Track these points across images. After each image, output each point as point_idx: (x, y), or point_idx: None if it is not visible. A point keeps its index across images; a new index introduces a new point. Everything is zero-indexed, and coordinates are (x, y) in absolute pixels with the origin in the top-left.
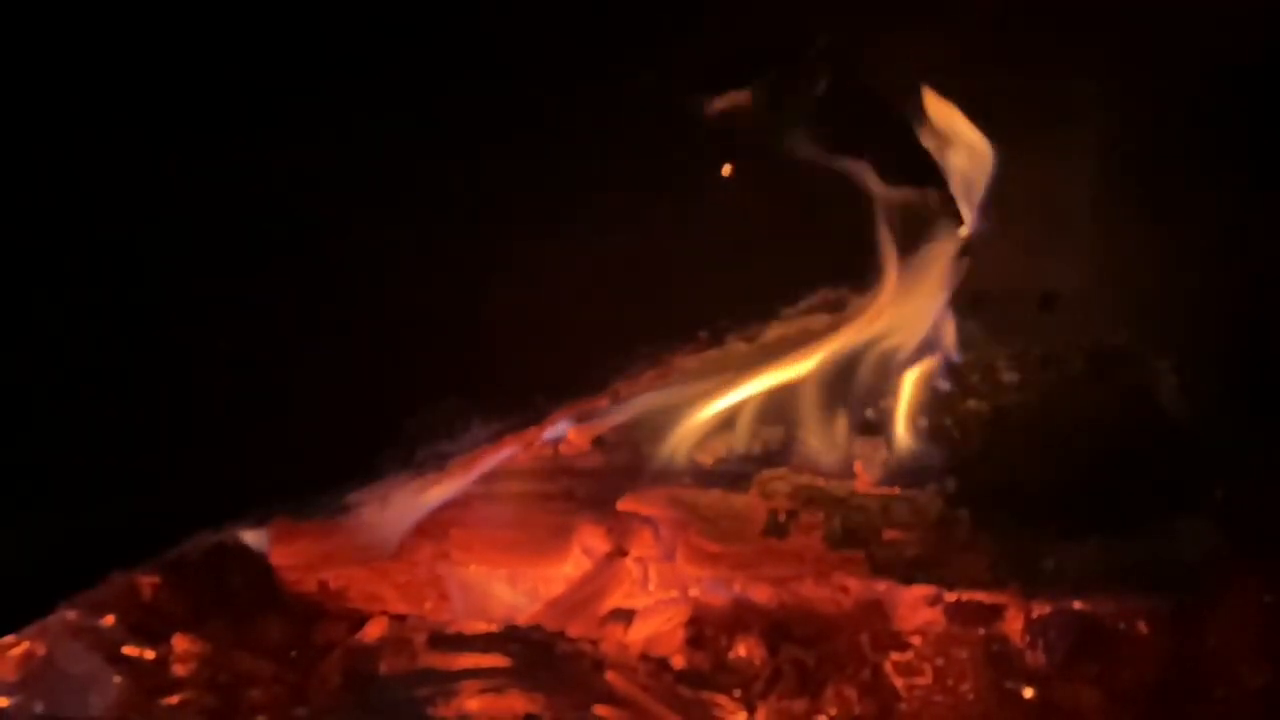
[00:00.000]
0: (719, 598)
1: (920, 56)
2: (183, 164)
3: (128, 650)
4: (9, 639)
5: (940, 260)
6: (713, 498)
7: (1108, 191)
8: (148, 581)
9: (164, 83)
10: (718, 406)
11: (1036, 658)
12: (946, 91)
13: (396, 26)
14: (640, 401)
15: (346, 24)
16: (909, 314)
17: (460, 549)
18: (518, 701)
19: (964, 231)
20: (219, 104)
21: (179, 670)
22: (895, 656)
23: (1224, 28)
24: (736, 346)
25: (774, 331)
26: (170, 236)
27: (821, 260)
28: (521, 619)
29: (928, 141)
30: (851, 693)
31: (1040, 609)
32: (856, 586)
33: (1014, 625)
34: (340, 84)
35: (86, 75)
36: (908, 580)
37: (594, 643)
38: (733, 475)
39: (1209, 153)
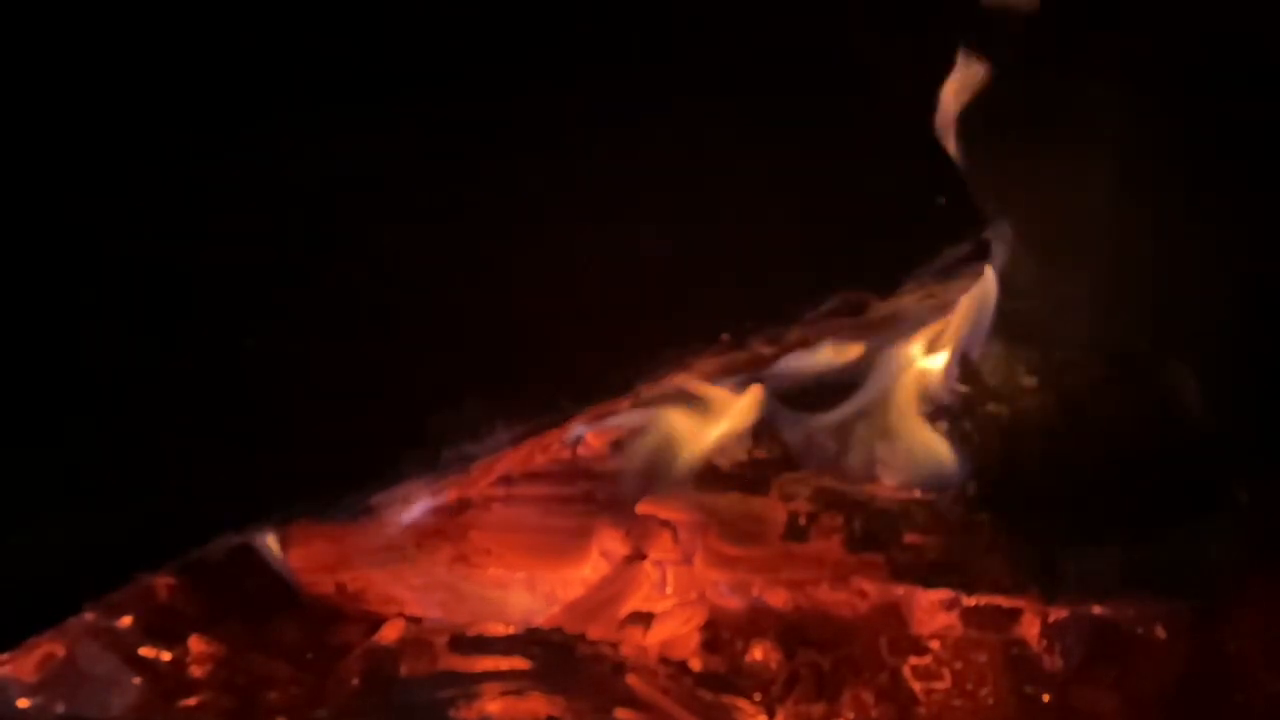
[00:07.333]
0: (734, 601)
1: (930, 61)
2: (211, 167)
3: (144, 652)
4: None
5: (961, 264)
6: (732, 500)
7: (1126, 193)
8: (164, 583)
9: (192, 82)
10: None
11: (1054, 662)
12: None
13: (425, 25)
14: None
15: (376, 22)
16: (930, 317)
17: (478, 552)
18: (539, 704)
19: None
20: (246, 103)
21: (196, 672)
22: (913, 661)
23: (1239, 28)
24: (759, 349)
25: (795, 334)
26: (192, 237)
27: (843, 263)
28: (539, 622)
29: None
30: (869, 697)
31: (1058, 613)
32: (873, 590)
33: (1031, 629)
34: (370, 83)
35: (118, 74)
36: (928, 584)
37: (614, 646)
38: (752, 478)
39: (1229, 154)
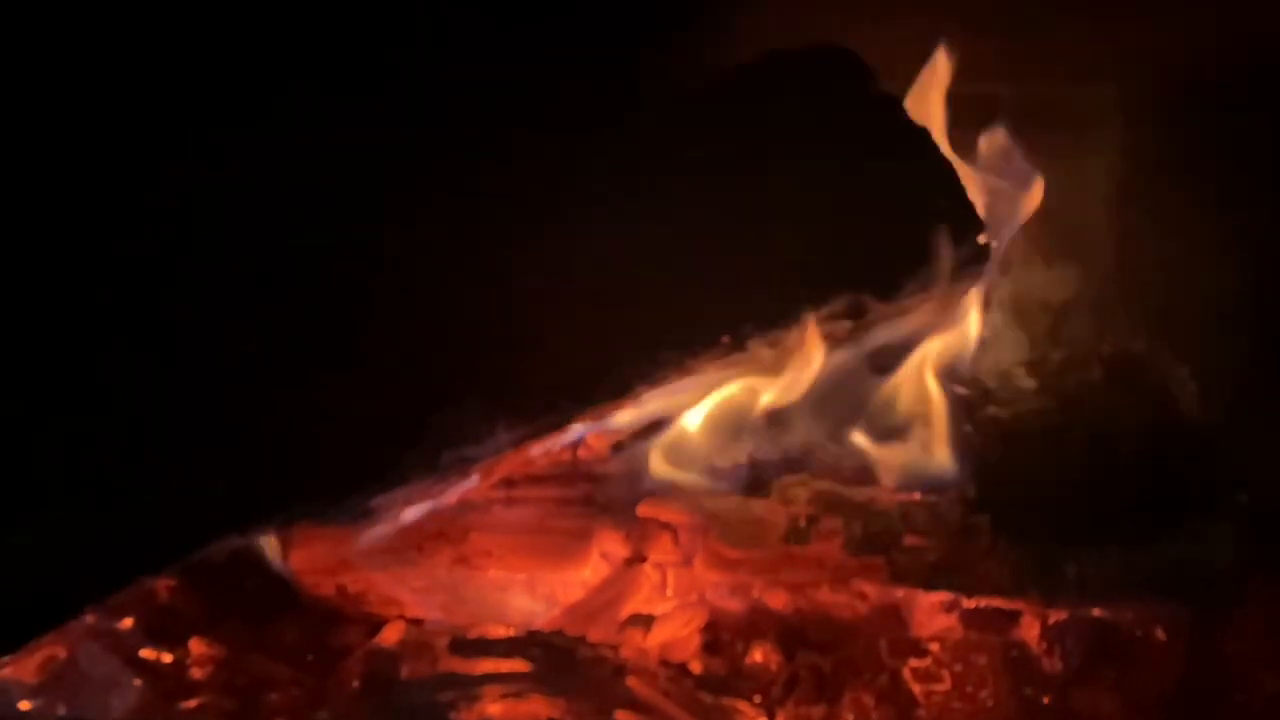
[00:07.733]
0: (734, 603)
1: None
2: (210, 170)
3: (145, 653)
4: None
5: (962, 268)
6: (732, 503)
7: (1125, 197)
8: (164, 584)
9: (191, 83)
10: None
11: (1054, 664)
12: (960, 99)
13: (421, 28)
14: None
15: (369, 27)
16: (930, 320)
17: (479, 554)
18: (539, 706)
19: (985, 239)
20: (246, 104)
21: (196, 673)
22: (913, 663)
23: (1239, 32)
24: (759, 351)
25: (795, 336)
26: (195, 240)
27: (844, 265)
28: (539, 624)
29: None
30: (869, 699)
31: (1057, 615)
32: (874, 592)
33: (1030, 632)
34: (367, 86)
35: (115, 80)
36: (928, 586)
37: (615, 648)
38: (753, 481)
39: (1226, 158)
